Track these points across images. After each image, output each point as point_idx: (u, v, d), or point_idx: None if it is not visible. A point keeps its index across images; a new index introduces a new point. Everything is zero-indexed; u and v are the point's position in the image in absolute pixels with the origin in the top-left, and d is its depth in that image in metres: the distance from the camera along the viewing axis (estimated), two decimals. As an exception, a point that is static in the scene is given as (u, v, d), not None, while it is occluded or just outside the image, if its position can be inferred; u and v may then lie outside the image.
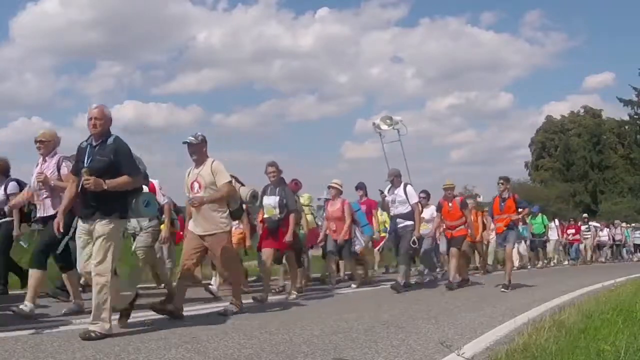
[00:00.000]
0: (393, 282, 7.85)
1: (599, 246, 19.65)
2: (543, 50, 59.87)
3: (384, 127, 11.46)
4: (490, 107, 60.97)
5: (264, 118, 61.91)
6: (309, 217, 8.59)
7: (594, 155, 42.27)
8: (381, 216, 10.30)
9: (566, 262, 17.46)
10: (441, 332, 4.47)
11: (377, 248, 11.30)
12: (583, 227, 18.37)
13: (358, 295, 7.65)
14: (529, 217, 14.53)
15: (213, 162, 5.34)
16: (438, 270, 10.71)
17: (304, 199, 8.58)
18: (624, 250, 20.79)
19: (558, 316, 4.70)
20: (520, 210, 8.51)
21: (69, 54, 58.21)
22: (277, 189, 6.65)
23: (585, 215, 20.42)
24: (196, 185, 5.30)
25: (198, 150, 5.36)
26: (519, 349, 3.43)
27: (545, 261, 16.11)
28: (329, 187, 8.52)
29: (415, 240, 7.93)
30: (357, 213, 8.88)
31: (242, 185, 6.07)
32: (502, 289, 7.91)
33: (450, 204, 8.73)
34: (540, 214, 15.68)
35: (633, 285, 7.49)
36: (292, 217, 6.58)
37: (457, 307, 6.06)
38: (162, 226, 6.47)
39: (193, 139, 5.33)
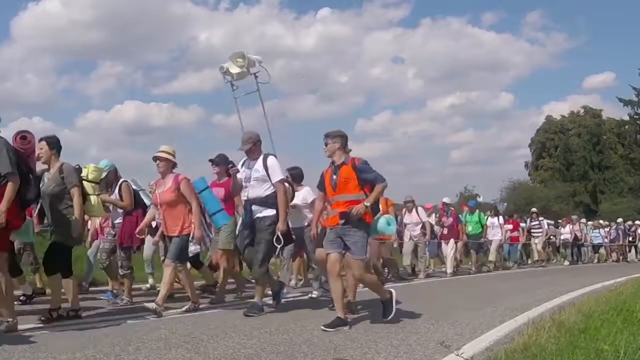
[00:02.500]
0: (247, 306, 5.60)
1: (563, 245, 17.59)
2: (544, 50, 59.95)
3: (234, 70, 7.56)
4: (491, 107, 61.06)
5: (264, 118, 61.81)
6: (93, 198, 5.35)
7: (594, 155, 42.32)
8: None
9: (510, 264, 14.67)
10: (441, 332, 4.47)
11: None
12: (532, 224, 16.09)
13: (358, 296, 7.64)
14: (465, 213, 12.77)
15: None
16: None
17: (87, 170, 5.47)
18: (583, 250, 18.24)
19: (558, 316, 4.70)
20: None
21: (70, 54, 58.16)
22: None
23: (534, 209, 17.49)
24: None
25: None
26: (519, 349, 3.43)
27: (487, 266, 13.31)
28: (155, 158, 5.66)
29: (280, 237, 5.37)
30: (204, 194, 5.91)
31: None
32: (324, 328, 4.53)
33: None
34: (477, 211, 12.96)
35: (633, 285, 7.49)
36: (9, 185, 4.16)
37: (457, 307, 6.06)
38: None
39: None
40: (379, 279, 8.63)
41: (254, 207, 5.57)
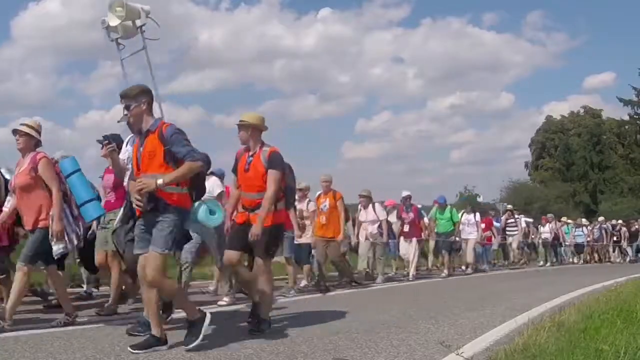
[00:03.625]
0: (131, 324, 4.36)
1: (542, 245, 16.23)
2: (544, 50, 59.84)
3: (113, 21, 6.01)
4: (491, 107, 61.06)
5: (264, 118, 61.88)
6: None
7: (594, 155, 42.33)
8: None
9: (485, 266, 13.14)
10: (441, 332, 4.47)
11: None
12: (508, 222, 14.69)
13: (358, 296, 7.66)
14: (435, 210, 11.41)
15: None
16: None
17: None
18: (562, 250, 16.91)
19: (558, 316, 4.70)
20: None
21: (71, 54, 58.17)
22: None
23: (509, 206, 16.23)
24: None
25: None
26: (518, 349, 3.44)
27: (463, 268, 12.18)
28: (14, 132, 4.57)
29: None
30: (72, 178, 4.58)
31: None
32: (132, 350, 3.63)
33: (250, 157, 4.47)
34: (448, 207, 11.42)
35: (633, 285, 7.49)
36: None
37: (457, 307, 6.06)
38: None
39: None
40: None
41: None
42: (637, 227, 18.72)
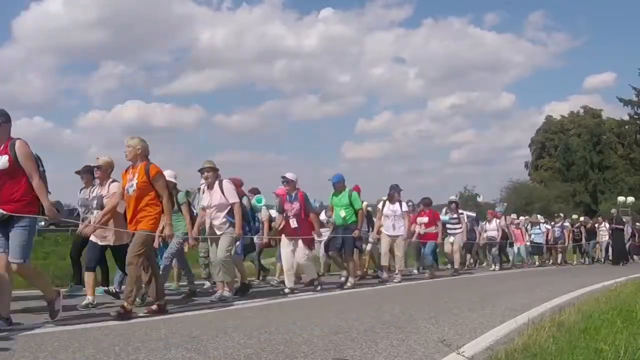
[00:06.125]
0: None
1: (488, 245, 13.82)
2: (545, 50, 60.09)
3: None
4: (491, 107, 61.15)
5: (265, 118, 62.03)
6: None
7: (594, 155, 42.40)
8: None
9: (415, 271, 10.81)
10: (441, 332, 4.46)
11: None
12: (451, 218, 11.97)
13: (358, 296, 7.65)
14: (330, 195, 8.39)
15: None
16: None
17: None
18: (514, 250, 14.81)
19: (558, 316, 4.70)
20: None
21: (72, 54, 58.30)
22: None
23: (452, 197, 13.05)
24: None
25: None
26: (519, 349, 3.44)
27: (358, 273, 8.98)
28: None
29: None
30: None
31: None
32: None
33: None
34: (347, 189, 8.29)
35: (633, 285, 7.49)
36: None
37: (457, 307, 6.06)
38: None
39: None
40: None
41: None
42: (591, 224, 17.35)
